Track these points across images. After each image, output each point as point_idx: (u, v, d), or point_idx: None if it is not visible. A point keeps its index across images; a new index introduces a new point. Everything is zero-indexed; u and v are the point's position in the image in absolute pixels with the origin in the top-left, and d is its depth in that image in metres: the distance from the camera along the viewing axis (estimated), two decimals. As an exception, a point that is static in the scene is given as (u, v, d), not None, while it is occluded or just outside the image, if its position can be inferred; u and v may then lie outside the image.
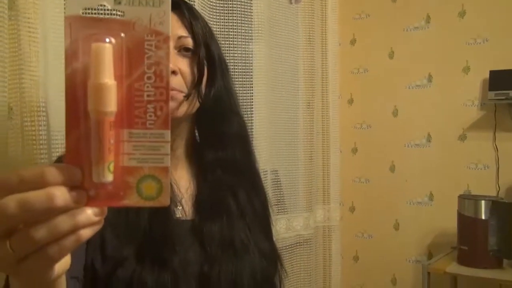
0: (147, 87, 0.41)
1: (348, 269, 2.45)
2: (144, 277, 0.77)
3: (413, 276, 2.30)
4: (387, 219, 2.39)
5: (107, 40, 0.39)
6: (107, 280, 0.78)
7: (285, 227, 1.96)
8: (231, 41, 1.72)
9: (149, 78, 0.41)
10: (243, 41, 1.77)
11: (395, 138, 2.37)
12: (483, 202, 1.85)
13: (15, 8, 1.22)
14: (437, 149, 2.27)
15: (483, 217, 1.83)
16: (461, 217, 1.90)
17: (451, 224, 2.02)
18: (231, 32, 1.72)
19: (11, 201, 0.38)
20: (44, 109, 1.25)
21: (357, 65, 2.48)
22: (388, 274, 2.38)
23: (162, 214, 0.84)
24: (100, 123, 0.39)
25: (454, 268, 1.85)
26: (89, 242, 0.77)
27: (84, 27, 0.39)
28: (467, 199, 1.90)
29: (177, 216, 0.88)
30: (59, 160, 0.92)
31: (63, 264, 0.44)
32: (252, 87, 1.81)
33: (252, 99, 1.80)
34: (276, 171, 1.96)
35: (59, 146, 1.28)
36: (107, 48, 0.38)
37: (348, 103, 2.50)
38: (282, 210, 1.97)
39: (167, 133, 0.41)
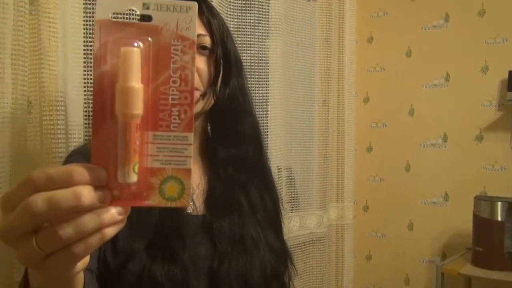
0: (172, 90, 0.41)
1: (360, 268, 2.44)
2: (154, 271, 0.78)
3: (426, 276, 2.29)
4: (401, 219, 2.38)
5: (136, 44, 0.40)
6: (118, 273, 0.80)
7: (298, 225, 1.96)
8: (248, 38, 1.73)
9: (174, 82, 0.41)
10: (260, 38, 1.77)
11: (411, 137, 2.35)
12: (499, 203, 1.83)
13: (36, 2, 1.24)
14: (453, 149, 2.25)
15: (499, 219, 1.81)
16: (477, 218, 1.89)
17: (465, 225, 2.00)
18: (248, 29, 1.73)
19: (39, 199, 0.39)
20: (62, 103, 1.26)
21: (374, 63, 2.46)
22: (401, 274, 2.37)
23: (174, 209, 0.85)
24: (127, 125, 0.40)
25: (468, 269, 1.83)
26: None
27: (113, 31, 0.40)
28: (483, 200, 1.89)
29: (188, 211, 0.89)
30: (73, 154, 0.93)
31: (84, 260, 0.45)
32: (268, 84, 1.81)
33: (268, 96, 1.80)
34: (290, 168, 1.96)
35: (76, 140, 1.30)
36: (136, 52, 0.39)
37: (364, 102, 2.49)
38: (296, 208, 1.97)
39: (191, 136, 0.42)
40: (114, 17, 0.40)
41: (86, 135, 1.34)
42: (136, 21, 0.40)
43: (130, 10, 0.40)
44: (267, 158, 1.02)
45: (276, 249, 0.93)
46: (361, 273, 2.43)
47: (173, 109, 0.41)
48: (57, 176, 0.40)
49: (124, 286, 0.80)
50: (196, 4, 0.41)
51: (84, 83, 1.35)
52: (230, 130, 0.95)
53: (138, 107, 0.40)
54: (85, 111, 1.34)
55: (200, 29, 0.86)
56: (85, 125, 1.34)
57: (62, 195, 0.39)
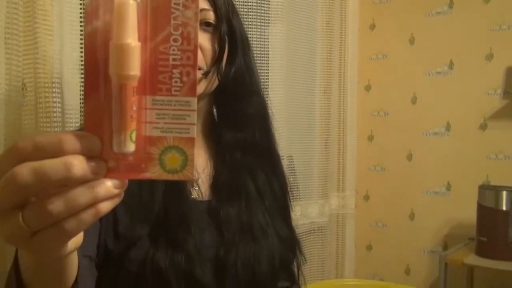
0: (173, 50, 0.37)
1: (361, 258, 2.41)
2: (157, 259, 0.74)
3: (427, 266, 2.26)
4: (403, 209, 2.35)
5: None
6: (120, 260, 0.76)
7: (299, 214, 1.93)
8: (250, 22, 1.68)
9: (175, 40, 0.37)
10: (261, 23, 1.73)
11: (413, 126, 2.31)
12: (504, 192, 1.80)
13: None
14: (457, 138, 2.21)
15: (504, 208, 1.78)
16: (481, 208, 1.85)
17: (468, 215, 1.97)
18: (249, 13, 1.68)
19: (25, 169, 0.35)
20: (58, 85, 1.22)
21: (376, 50, 2.42)
22: (402, 264, 2.35)
23: (178, 193, 0.81)
24: (122, 88, 0.36)
25: (472, 259, 1.80)
26: (102, 220, 0.75)
27: None
28: (488, 190, 1.85)
29: (193, 196, 0.85)
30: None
31: (76, 239, 0.42)
32: (268, 70, 1.77)
33: (268, 82, 1.76)
34: (291, 157, 1.92)
35: (73, 122, 1.26)
36: (131, 5, 0.35)
37: (366, 90, 2.45)
38: (297, 197, 1.94)
39: (194, 101, 0.38)
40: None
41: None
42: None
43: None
44: (275, 141, 0.97)
45: (284, 237, 0.89)
46: (362, 263, 2.41)
47: (174, 70, 0.37)
48: (45, 144, 0.36)
49: (126, 275, 0.76)
50: None
51: (81, 65, 1.30)
52: (236, 112, 0.90)
53: (134, 67, 0.36)
54: (82, 95, 1.30)
55: (204, 4, 0.82)
56: (82, 109, 1.30)
57: (51, 165, 0.35)
